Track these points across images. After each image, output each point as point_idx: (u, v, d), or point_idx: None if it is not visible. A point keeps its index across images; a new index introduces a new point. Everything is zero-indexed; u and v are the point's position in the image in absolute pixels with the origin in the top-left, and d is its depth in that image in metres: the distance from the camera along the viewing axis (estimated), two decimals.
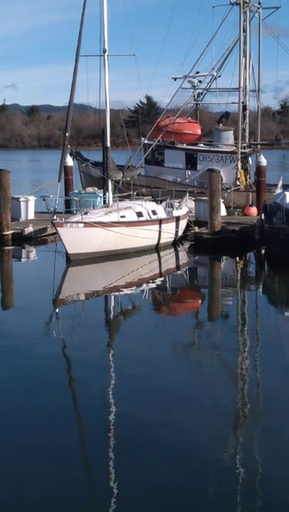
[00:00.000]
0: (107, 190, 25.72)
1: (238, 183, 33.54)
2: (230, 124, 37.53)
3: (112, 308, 18.06)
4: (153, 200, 26.69)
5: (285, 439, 9.48)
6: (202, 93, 37.36)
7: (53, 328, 15.62)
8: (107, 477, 8.36)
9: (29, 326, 15.36)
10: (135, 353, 13.51)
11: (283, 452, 9.09)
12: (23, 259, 25.32)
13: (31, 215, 29.53)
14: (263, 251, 25.08)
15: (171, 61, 44.29)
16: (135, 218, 24.47)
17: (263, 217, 25.25)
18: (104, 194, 26.12)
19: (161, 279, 21.83)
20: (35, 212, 29.85)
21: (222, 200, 27.55)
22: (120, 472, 8.47)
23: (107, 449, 9.11)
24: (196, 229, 26.76)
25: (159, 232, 25.08)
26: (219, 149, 34.56)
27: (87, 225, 22.69)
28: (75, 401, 11.28)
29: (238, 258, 25.25)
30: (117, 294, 19.27)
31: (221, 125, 35.92)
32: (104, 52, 25.41)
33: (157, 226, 25.02)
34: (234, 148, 34.30)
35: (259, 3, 35.96)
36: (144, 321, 16.27)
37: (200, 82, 36.60)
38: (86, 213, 23.69)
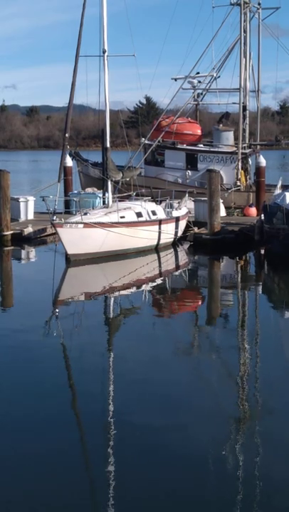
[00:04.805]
0: (107, 190, 25.70)
1: (238, 183, 33.54)
2: (230, 124, 37.55)
3: (111, 308, 18.03)
4: (152, 201, 26.69)
5: (287, 441, 9.45)
6: (202, 93, 37.39)
7: (52, 329, 15.59)
8: (106, 478, 8.34)
9: (29, 327, 15.33)
10: (135, 353, 13.50)
11: (285, 454, 9.07)
12: (22, 260, 25.30)
13: (31, 216, 29.53)
14: (262, 251, 25.07)
15: (171, 61, 44.26)
16: (135, 219, 24.46)
17: (262, 217, 25.25)
18: (104, 195, 26.10)
19: (161, 279, 21.80)
20: (35, 213, 29.86)
21: (222, 201, 27.54)
22: (120, 474, 8.45)
23: (107, 451, 9.09)
24: (196, 229, 26.73)
25: (159, 232, 25.07)
26: (220, 150, 34.58)
27: (86, 225, 22.68)
28: (74, 402, 11.25)
29: (237, 258, 25.22)
30: (116, 294, 19.23)
31: (221, 125, 35.94)
32: (104, 52, 25.40)
33: (157, 226, 25.01)
34: (234, 148, 34.32)
35: (259, 4, 36.02)
36: (143, 322, 16.24)
37: (199, 82, 36.63)
38: (86, 214, 23.68)
